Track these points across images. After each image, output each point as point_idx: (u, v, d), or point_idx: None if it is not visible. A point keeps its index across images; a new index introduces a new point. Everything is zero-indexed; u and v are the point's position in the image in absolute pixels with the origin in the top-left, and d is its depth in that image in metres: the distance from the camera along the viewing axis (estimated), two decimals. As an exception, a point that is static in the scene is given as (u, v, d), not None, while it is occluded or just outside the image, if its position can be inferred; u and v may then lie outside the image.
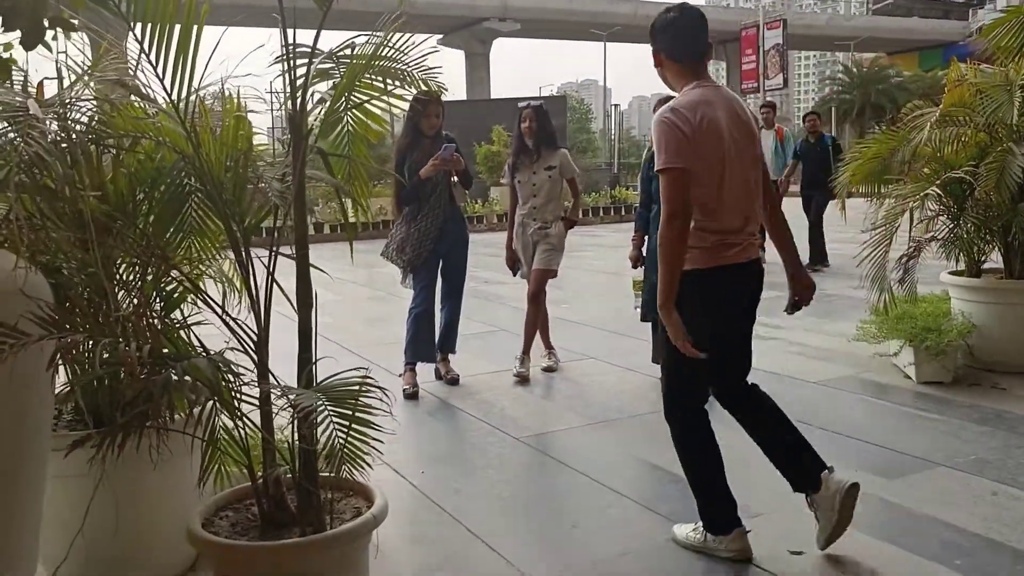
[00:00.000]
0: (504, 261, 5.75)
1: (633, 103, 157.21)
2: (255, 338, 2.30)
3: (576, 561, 2.97)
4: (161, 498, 2.56)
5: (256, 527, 2.31)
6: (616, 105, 53.50)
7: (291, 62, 2.22)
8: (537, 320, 5.52)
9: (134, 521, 2.56)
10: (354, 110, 2.64)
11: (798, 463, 2.94)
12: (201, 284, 2.58)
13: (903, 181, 5.31)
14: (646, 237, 5.10)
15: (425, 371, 5.37)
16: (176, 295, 2.64)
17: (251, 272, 2.33)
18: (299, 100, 2.20)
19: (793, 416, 3.03)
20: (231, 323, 2.29)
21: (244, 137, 2.32)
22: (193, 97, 2.19)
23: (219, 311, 2.31)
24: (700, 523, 2.97)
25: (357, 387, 2.03)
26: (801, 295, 2.99)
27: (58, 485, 2.65)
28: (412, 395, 5.11)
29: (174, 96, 2.17)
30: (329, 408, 1.89)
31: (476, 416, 4.72)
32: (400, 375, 5.22)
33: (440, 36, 42.65)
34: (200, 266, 2.55)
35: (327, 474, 2.62)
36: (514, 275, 5.60)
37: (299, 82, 2.23)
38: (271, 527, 2.29)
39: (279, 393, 1.92)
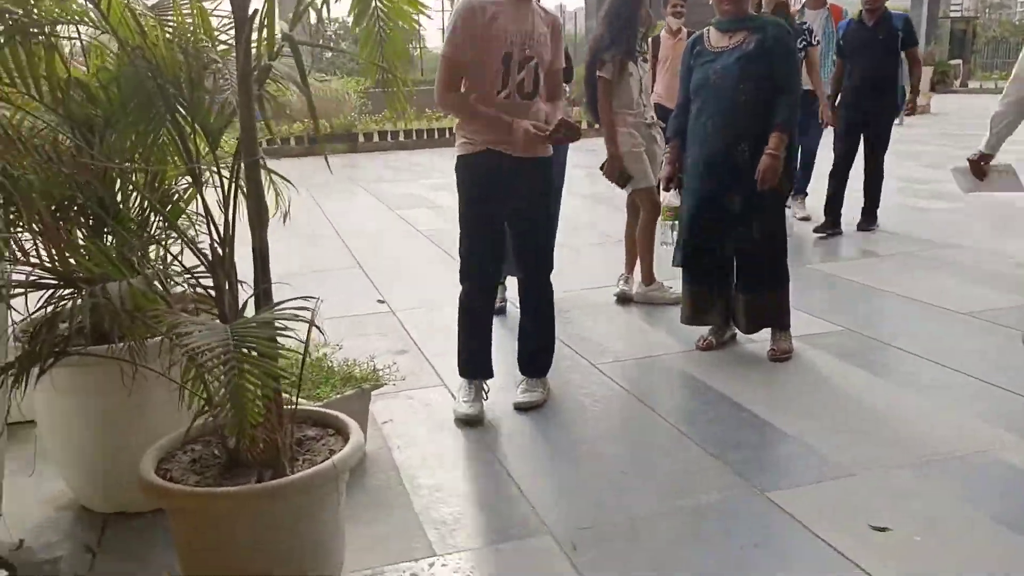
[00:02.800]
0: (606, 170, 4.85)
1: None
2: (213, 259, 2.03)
3: (609, 516, 2.61)
4: (141, 422, 2.42)
5: (218, 464, 2.11)
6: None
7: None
8: (652, 238, 4.88)
9: (127, 445, 2.44)
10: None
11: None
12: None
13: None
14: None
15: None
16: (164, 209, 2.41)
17: (220, 186, 2.06)
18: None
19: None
20: (191, 245, 2.03)
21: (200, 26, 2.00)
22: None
23: (180, 233, 2.06)
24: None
25: (269, 324, 1.72)
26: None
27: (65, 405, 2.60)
28: (499, 310, 4.80)
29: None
30: (232, 347, 1.59)
31: (559, 338, 4.33)
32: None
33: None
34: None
35: (311, 407, 2.40)
36: (623, 187, 4.80)
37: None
38: (234, 467, 2.08)
39: (191, 327, 1.65)
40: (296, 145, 14.22)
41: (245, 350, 1.61)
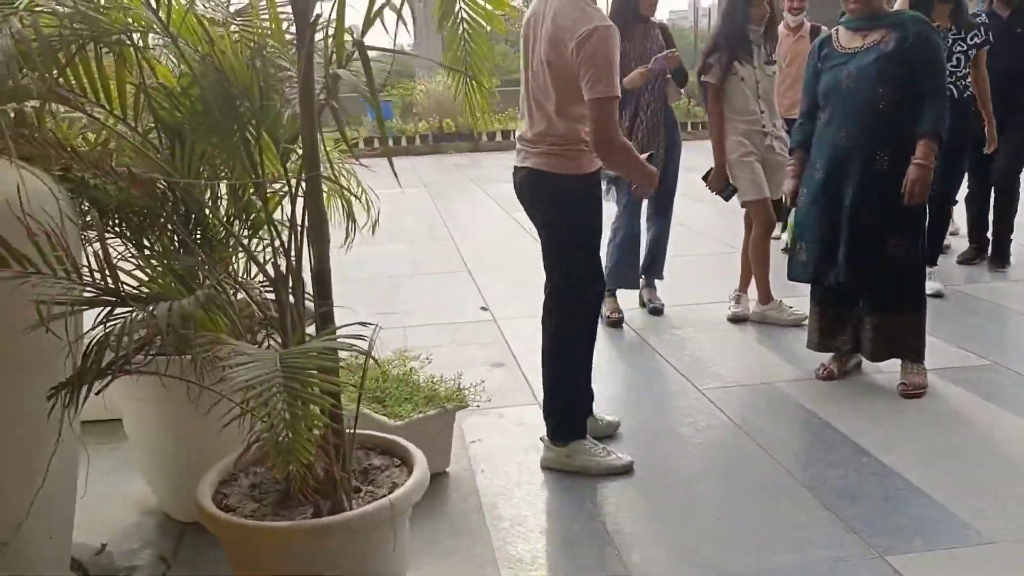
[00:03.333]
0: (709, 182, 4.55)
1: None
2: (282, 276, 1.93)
3: (699, 570, 2.36)
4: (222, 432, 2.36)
5: (277, 491, 2.01)
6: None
7: None
8: (766, 254, 4.56)
9: (206, 455, 2.39)
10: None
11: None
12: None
13: None
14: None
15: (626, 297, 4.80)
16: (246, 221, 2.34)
17: (290, 200, 1.96)
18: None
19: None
20: (255, 259, 1.94)
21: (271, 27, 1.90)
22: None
23: (242, 246, 1.97)
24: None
25: (317, 353, 1.58)
26: None
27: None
28: (616, 322, 4.59)
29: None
30: (280, 379, 1.47)
31: (665, 357, 4.10)
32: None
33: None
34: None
35: (379, 433, 2.28)
36: (726, 199, 4.54)
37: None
38: (293, 495, 1.98)
39: (239, 356, 1.54)
40: (421, 143, 14.39)
41: (297, 384, 1.48)
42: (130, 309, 1.67)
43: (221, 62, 1.82)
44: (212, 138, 1.96)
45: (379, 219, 3.17)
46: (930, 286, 4.47)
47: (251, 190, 2.16)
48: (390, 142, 14.31)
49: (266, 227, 1.95)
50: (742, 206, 4.55)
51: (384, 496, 1.92)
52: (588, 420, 3.05)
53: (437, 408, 2.90)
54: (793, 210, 3.83)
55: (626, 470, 2.92)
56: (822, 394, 3.58)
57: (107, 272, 1.64)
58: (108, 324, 1.68)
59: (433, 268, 6.16)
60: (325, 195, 2.95)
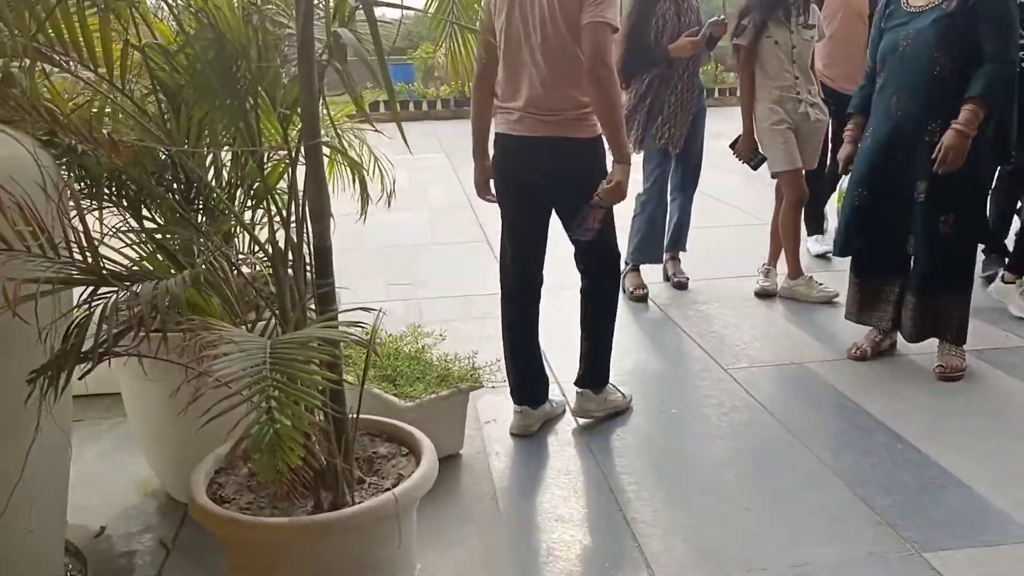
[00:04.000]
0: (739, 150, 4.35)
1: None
2: (281, 253, 1.79)
3: (723, 566, 2.23)
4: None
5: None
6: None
7: None
8: (796, 227, 4.35)
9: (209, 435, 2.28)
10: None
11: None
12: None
13: None
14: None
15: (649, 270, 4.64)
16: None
17: (290, 171, 1.81)
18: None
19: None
20: (251, 233, 1.80)
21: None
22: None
23: (238, 219, 1.83)
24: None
25: (313, 343, 1.44)
26: None
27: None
28: (641, 298, 4.43)
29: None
30: (268, 370, 1.34)
31: (690, 335, 3.94)
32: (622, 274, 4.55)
33: None
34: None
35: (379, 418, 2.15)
36: (754, 168, 4.35)
37: None
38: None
39: (226, 341, 1.41)
40: (443, 108, 14.18)
41: (287, 378, 1.35)
42: (113, 289, 1.54)
43: (216, 18, 1.67)
44: (208, 101, 1.82)
45: (394, 189, 3.03)
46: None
47: (250, 159, 2.02)
48: (411, 106, 14.12)
49: (267, 199, 1.80)
50: (772, 177, 4.36)
51: (389, 489, 1.80)
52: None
53: (450, 388, 2.77)
54: (844, 178, 3.63)
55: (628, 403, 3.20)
56: (854, 376, 3.41)
57: (87, 249, 1.51)
58: (92, 305, 1.55)
59: (452, 238, 6.02)
60: (333, 164, 2.84)
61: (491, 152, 2.94)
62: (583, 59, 2.58)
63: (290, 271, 1.80)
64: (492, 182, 2.97)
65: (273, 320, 1.80)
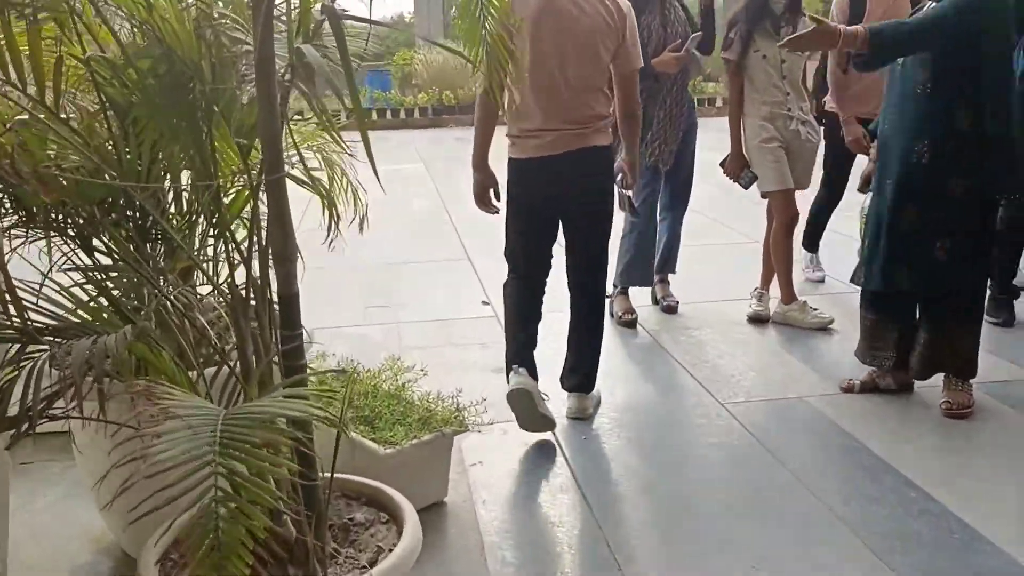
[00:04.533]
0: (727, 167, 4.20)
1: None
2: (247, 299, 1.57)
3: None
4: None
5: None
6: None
7: None
8: (788, 249, 4.18)
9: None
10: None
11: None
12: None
13: None
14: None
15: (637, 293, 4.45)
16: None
17: (251, 207, 1.59)
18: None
19: None
20: (211, 280, 1.58)
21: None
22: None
23: (193, 259, 1.61)
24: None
25: (275, 420, 1.22)
26: None
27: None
28: (630, 323, 4.24)
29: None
30: (216, 454, 1.12)
31: (682, 364, 3.75)
32: (608, 297, 4.34)
33: None
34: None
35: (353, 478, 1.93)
36: (745, 187, 4.18)
37: None
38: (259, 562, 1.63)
39: (168, 422, 1.18)
40: (420, 116, 13.97)
41: (240, 463, 1.13)
42: (43, 348, 1.32)
43: (163, 31, 1.45)
44: (159, 123, 1.60)
45: (367, 213, 2.81)
46: None
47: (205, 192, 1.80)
48: (388, 114, 13.88)
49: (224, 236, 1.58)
50: (762, 196, 4.19)
51: (366, 569, 1.58)
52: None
53: (434, 433, 2.55)
54: (865, 199, 3.46)
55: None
56: (857, 412, 3.23)
57: (11, 302, 1.28)
58: (19, 365, 1.33)
59: (432, 255, 5.80)
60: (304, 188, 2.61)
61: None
62: (619, 100, 3.04)
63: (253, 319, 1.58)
64: (493, 191, 3.10)
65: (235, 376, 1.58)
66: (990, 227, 3.13)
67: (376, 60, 16.87)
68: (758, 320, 4.25)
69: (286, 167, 1.64)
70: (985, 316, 3.29)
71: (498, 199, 3.11)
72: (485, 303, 4.68)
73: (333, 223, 2.58)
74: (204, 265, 1.84)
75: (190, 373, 1.69)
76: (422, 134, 12.71)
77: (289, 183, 1.58)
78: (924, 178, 3.01)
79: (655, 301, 4.53)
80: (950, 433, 3.05)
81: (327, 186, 2.57)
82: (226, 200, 1.93)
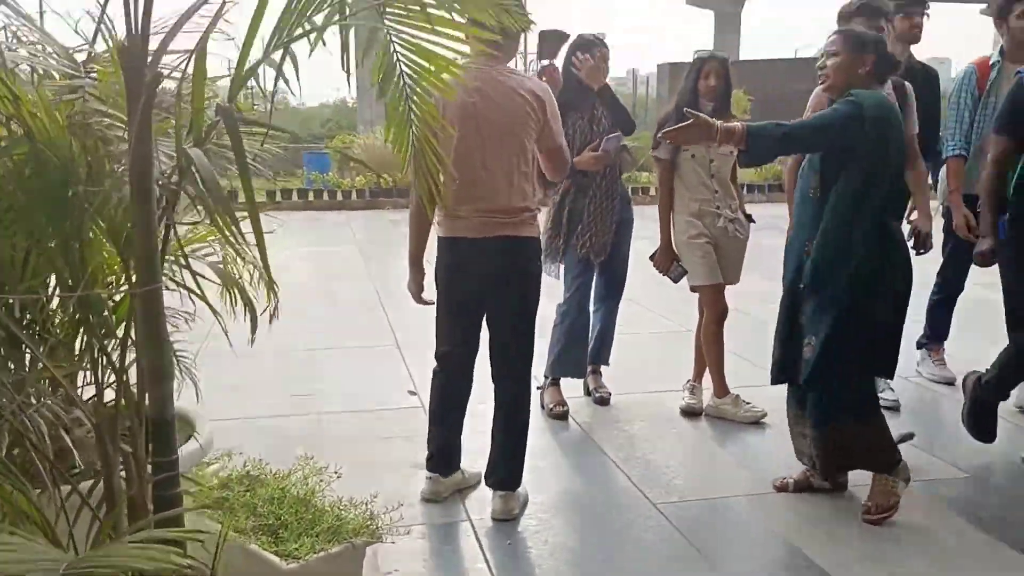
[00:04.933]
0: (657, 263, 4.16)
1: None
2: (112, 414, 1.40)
3: None
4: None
5: None
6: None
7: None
8: (719, 342, 4.14)
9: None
10: (400, 43, 1.70)
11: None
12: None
13: None
14: None
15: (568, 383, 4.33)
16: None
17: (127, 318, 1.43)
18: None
19: None
20: (77, 397, 1.41)
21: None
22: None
23: (47, 365, 1.43)
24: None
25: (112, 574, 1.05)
26: None
27: None
28: (562, 415, 4.12)
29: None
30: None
31: (614, 460, 3.62)
32: (539, 388, 4.22)
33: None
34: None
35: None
36: (675, 280, 4.17)
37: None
38: None
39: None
40: (357, 198, 13.90)
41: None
42: None
43: (32, 127, 1.31)
44: (27, 225, 1.44)
45: (276, 309, 2.65)
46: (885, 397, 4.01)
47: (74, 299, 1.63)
48: (325, 195, 13.80)
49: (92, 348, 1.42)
50: (692, 290, 4.18)
51: None
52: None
53: (343, 544, 2.36)
54: None
55: None
56: (791, 513, 3.13)
57: None
58: None
59: (358, 341, 5.61)
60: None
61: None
62: (550, 169, 3.20)
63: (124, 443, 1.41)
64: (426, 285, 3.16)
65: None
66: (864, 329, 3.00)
67: (315, 142, 16.86)
68: (691, 413, 4.17)
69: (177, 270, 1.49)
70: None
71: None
72: (412, 393, 4.50)
73: (246, 311, 2.42)
74: (81, 375, 1.66)
75: (61, 487, 1.50)
76: (359, 215, 12.64)
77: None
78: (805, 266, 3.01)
79: (587, 392, 4.42)
80: (883, 537, 2.97)
81: (238, 275, 2.42)
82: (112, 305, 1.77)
